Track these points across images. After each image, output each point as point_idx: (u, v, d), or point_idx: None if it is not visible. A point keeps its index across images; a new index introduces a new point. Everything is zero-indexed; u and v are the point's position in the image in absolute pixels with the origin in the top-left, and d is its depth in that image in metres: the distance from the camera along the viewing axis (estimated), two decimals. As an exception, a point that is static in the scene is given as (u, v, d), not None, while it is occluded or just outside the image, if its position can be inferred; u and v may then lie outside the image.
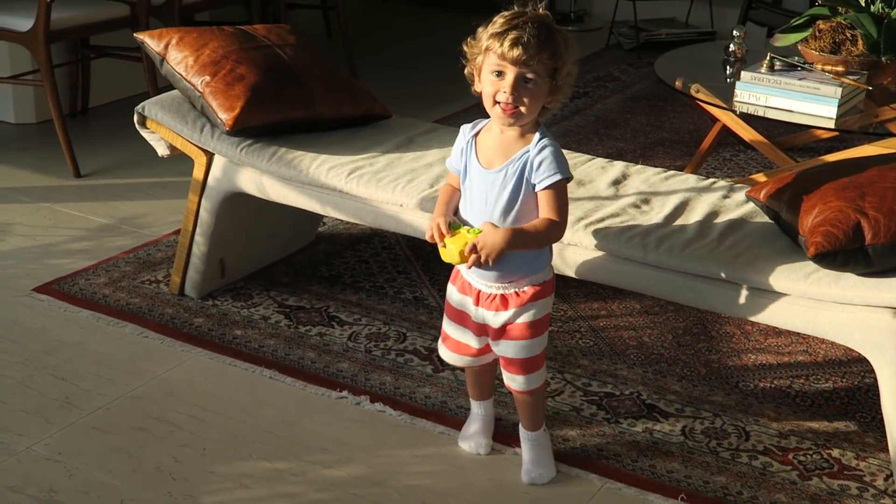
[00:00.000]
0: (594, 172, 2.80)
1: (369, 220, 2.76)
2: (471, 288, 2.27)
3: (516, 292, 2.22)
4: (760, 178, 3.57)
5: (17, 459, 2.38)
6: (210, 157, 2.95)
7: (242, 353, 2.82)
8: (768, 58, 3.40)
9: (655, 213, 2.57)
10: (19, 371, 2.71)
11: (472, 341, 2.32)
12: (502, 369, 2.33)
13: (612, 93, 5.25)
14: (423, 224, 2.62)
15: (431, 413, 2.59)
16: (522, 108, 2.10)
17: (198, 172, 2.97)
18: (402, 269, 3.29)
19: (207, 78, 2.89)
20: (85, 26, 4.13)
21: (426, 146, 2.93)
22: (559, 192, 2.15)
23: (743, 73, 3.40)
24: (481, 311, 2.26)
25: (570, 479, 2.38)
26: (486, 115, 2.21)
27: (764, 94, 3.34)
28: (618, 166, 2.84)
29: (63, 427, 2.51)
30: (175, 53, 2.98)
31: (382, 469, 2.40)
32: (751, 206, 2.59)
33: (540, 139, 2.15)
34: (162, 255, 3.35)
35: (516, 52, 2.05)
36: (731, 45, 3.81)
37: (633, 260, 2.43)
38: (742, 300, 2.35)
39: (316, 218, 3.43)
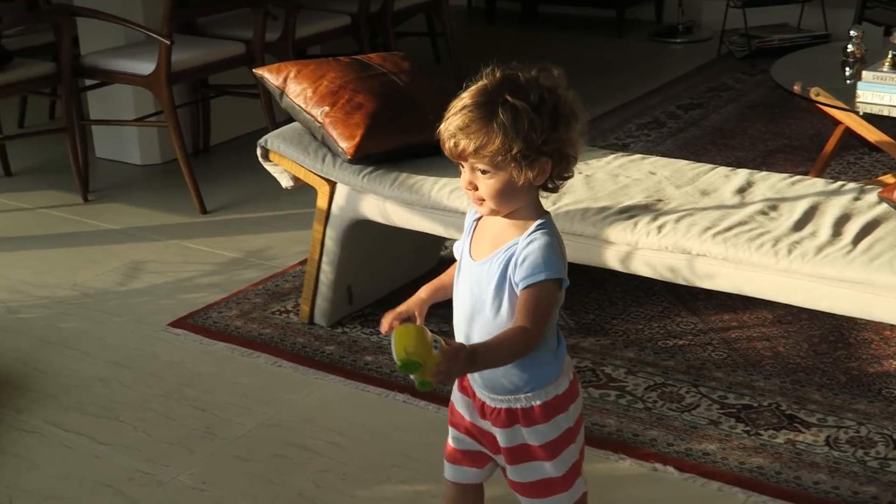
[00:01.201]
0: (718, 181, 2.77)
1: (494, 240, 2.76)
2: (474, 394, 1.91)
3: (523, 409, 1.84)
4: (890, 179, 3.48)
5: (165, 490, 2.44)
6: (333, 186, 2.99)
7: (375, 379, 2.85)
8: (890, 56, 3.33)
9: (784, 220, 2.52)
10: (161, 404, 2.78)
11: (471, 448, 1.96)
12: (517, 494, 1.94)
13: (727, 102, 5.17)
14: (549, 242, 2.61)
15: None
16: (491, 202, 1.76)
17: (321, 202, 3.02)
18: (526, 289, 3.29)
19: (327, 108, 2.93)
20: (203, 66, 4.25)
21: (546, 164, 2.93)
22: (541, 295, 1.74)
23: (864, 73, 3.33)
24: (487, 425, 1.90)
25: (714, 495, 2.34)
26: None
27: (888, 93, 3.27)
28: (742, 174, 2.80)
29: (206, 456, 2.56)
30: (294, 86, 3.03)
31: (521, 488, 2.39)
32: (884, 207, 2.53)
33: (534, 230, 1.77)
34: (290, 286, 3.41)
35: (450, 144, 1.74)
36: (850, 46, 3.73)
37: (764, 268, 2.39)
38: (880, 304, 2.29)
39: (438, 242, 3.46)
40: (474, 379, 1.88)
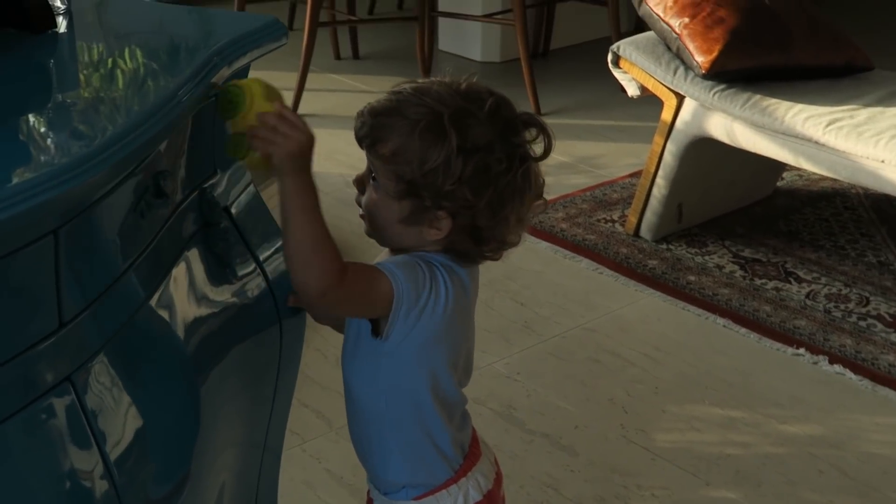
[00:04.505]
0: None
1: (845, 174, 2.64)
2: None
3: None
4: None
5: (480, 374, 2.50)
6: (681, 99, 2.93)
7: (696, 299, 2.80)
8: None
9: None
10: (483, 292, 2.83)
11: None
12: None
13: None
14: (906, 183, 2.47)
15: (895, 382, 2.45)
16: (366, 218, 1.36)
17: (666, 115, 2.96)
18: (865, 232, 3.13)
19: (686, 20, 2.86)
20: (556, -31, 4.24)
21: (912, 102, 2.75)
22: (374, 272, 1.30)
23: None
24: None
25: None
26: None
27: None
28: None
29: (522, 349, 2.61)
30: (654, -6, 2.98)
31: (841, 432, 2.31)
32: None
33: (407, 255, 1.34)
34: (618, 196, 3.39)
35: (356, 123, 1.35)
36: None
37: None
38: None
39: (776, 171, 3.34)
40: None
